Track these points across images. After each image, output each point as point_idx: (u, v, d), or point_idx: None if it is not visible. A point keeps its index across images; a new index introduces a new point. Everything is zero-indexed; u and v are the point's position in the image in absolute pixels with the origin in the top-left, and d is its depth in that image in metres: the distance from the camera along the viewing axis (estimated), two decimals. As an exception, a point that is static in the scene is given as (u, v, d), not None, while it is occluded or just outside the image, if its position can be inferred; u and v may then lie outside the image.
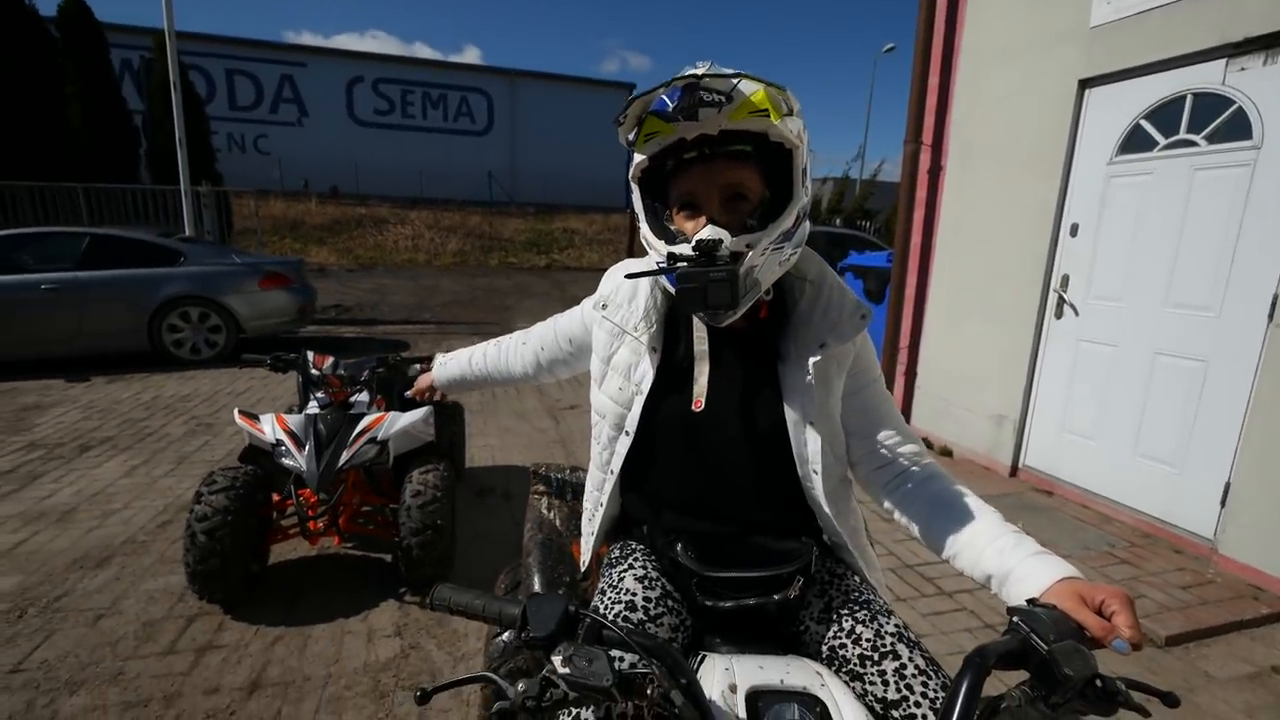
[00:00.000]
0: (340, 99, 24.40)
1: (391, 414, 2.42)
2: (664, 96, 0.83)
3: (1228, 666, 2.19)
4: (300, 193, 21.02)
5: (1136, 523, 3.11)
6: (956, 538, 0.91)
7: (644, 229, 0.97)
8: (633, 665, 0.65)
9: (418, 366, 3.11)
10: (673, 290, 0.94)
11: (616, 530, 1.18)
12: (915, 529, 0.99)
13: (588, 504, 1.20)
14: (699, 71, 0.84)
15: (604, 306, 1.11)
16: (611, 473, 1.10)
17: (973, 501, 0.94)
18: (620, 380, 1.08)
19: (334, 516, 2.31)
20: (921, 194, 4.27)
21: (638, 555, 1.07)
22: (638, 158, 0.93)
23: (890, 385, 4.49)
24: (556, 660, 0.62)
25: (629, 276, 1.03)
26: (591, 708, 0.81)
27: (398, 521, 2.29)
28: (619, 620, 0.93)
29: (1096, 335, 3.29)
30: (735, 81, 0.81)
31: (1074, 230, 3.39)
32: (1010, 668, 0.67)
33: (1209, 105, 2.80)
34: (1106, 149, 3.22)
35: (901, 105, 4.25)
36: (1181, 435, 2.93)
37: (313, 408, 2.46)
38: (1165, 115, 2.98)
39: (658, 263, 0.94)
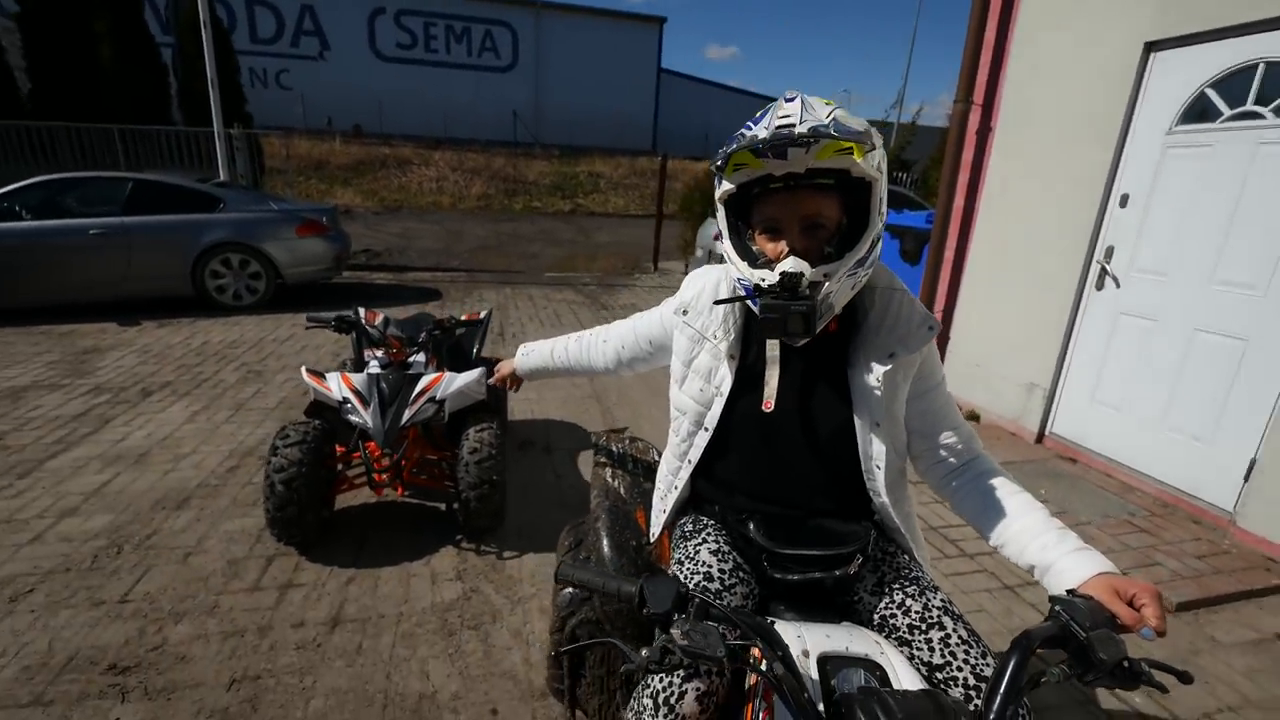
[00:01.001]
0: (362, 31, 23.77)
1: (448, 374, 2.54)
2: (755, 137, 0.92)
3: (1234, 632, 2.31)
4: (324, 131, 20.82)
5: (1158, 493, 3.19)
6: (1005, 530, 1.02)
7: (727, 246, 1.06)
8: (736, 639, 0.77)
9: (463, 315, 3.23)
10: (754, 309, 1.04)
11: (686, 507, 1.30)
12: (968, 518, 1.10)
13: (660, 485, 1.32)
14: (789, 112, 0.92)
15: (685, 313, 1.20)
16: (689, 462, 1.22)
17: (1023, 498, 1.05)
18: (701, 382, 1.18)
19: (398, 470, 2.48)
20: (968, 155, 4.17)
21: (710, 530, 1.20)
22: (725, 184, 1.01)
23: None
24: (675, 633, 0.74)
25: (718, 303, 1.14)
26: (685, 674, 0.95)
27: (455, 474, 2.46)
28: (698, 589, 1.06)
29: (1136, 309, 3.28)
30: (822, 124, 0.88)
31: (1124, 201, 3.32)
32: (1051, 648, 0.79)
33: (1281, 75, 2.69)
34: (1166, 118, 3.11)
35: (945, 43, 4.12)
36: (1212, 411, 2.96)
37: (374, 367, 2.59)
38: (1233, 85, 2.86)
39: (741, 283, 1.05)
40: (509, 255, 10.74)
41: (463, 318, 3.17)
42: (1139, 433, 3.29)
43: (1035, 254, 3.77)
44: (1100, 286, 3.45)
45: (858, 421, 1.10)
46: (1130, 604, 0.83)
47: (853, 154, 0.90)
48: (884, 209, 1.01)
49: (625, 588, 0.81)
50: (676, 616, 0.76)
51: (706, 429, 1.18)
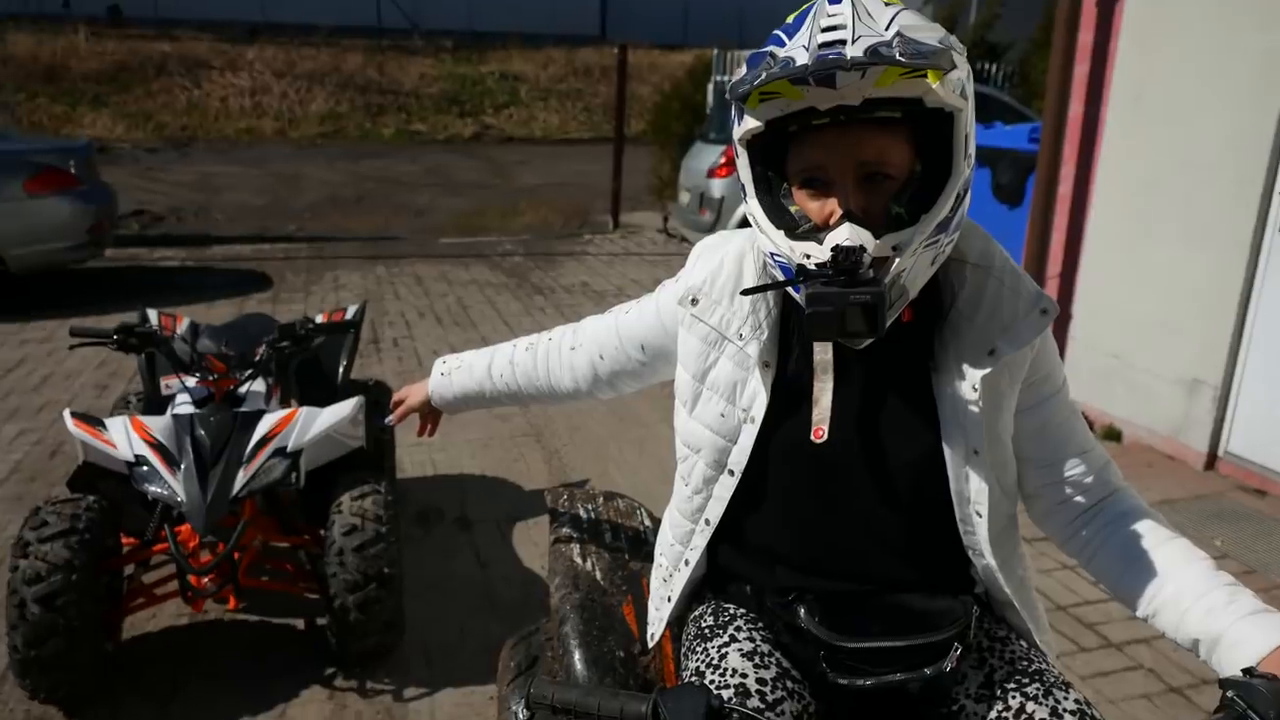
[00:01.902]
0: None
1: (303, 410, 2.57)
2: (791, 56, 0.98)
3: None
4: (58, 16, 20.41)
5: (1391, 539, 3.41)
6: (1158, 594, 1.12)
7: (754, 206, 1.13)
8: None
9: (320, 317, 3.24)
10: (798, 299, 1.10)
11: (701, 592, 1.38)
12: (1105, 580, 1.21)
13: (664, 559, 1.40)
14: (838, 20, 0.98)
15: (694, 302, 1.24)
16: (707, 523, 1.29)
17: (1179, 546, 1.15)
18: (722, 404, 1.24)
19: (229, 569, 2.49)
20: (1086, 38, 4.39)
21: (740, 624, 1.27)
22: (749, 121, 1.07)
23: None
24: None
25: (745, 293, 1.19)
26: None
27: (320, 571, 2.49)
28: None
29: (1345, 263, 3.51)
30: (889, 37, 0.95)
31: (1318, 101, 3.55)
32: None
33: None
34: (1373, -26, 3.35)
35: None
36: None
37: (184, 404, 2.60)
38: None
39: (775, 260, 1.12)
40: (379, 212, 10.75)
41: (319, 319, 3.19)
42: (1358, 449, 3.51)
43: (1192, 187, 3.98)
44: (1290, 232, 3.68)
45: (948, 450, 1.18)
46: None
47: (926, 76, 0.97)
48: (971, 148, 1.09)
49: (631, 706, 0.87)
50: None
51: (731, 471, 1.23)
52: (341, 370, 3.23)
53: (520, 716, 1.47)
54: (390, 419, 1.72)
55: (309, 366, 3.18)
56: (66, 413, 2.54)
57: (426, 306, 6.77)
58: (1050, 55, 4.52)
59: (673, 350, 1.33)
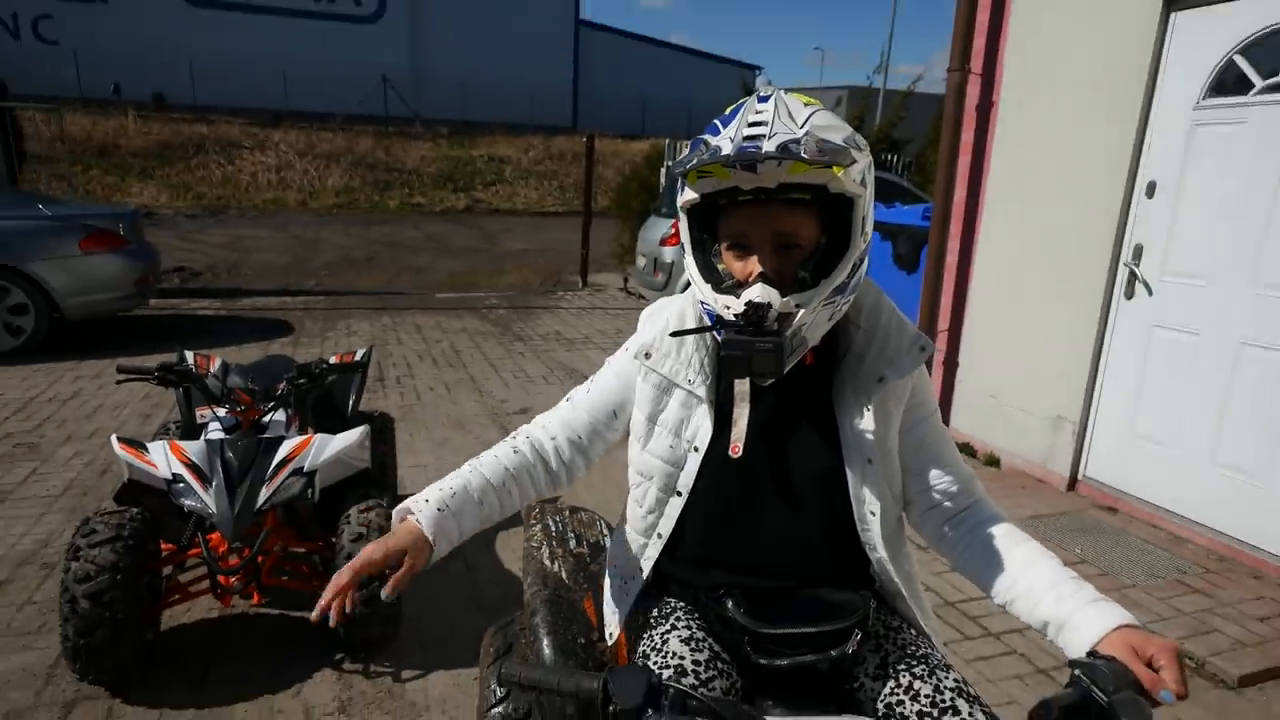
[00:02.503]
0: (164, -33, 23.44)
1: (318, 437, 2.58)
2: (720, 143, 1.07)
3: (1310, 711, 2.59)
4: (110, 102, 20.24)
5: (1212, 544, 3.54)
6: (1014, 585, 1.18)
7: (690, 263, 1.21)
8: None
9: (333, 359, 3.26)
10: (720, 339, 1.17)
11: (651, 591, 1.41)
12: (970, 573, 1.26)
13: (619, 569, 1.42)
14: (761, 119, 1.07)
15: (648, 356, 1.29)
16: (660, 537, 1.33)
17: (1031, 546, 1.21)
18: (670, 438, 1.29)
19: (253, 570, 2.48)
20: (968, 137, 4.57)
21: (679, 614, 1.31)
22: (688, 193, 1.15)
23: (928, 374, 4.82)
24: None
25: (675, 334, 1.26)
26: None
27: (331, 572, 2.47)
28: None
29: (1173, 320, 3.67)
30: (800, 136, 1.03)
31: (1150, 190, 3.74)
32: (1072, 718, 0.93)
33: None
34: (1193, 90, 3.56)
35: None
36: (1268, 442, 3.33)
37: (215, 431, 2.60)
38: (1266, 50, 3.31)
39: (705, 309, 1.18)
40: (385, 271, 10.72)
41: (332, 360, 3.21)
42: (1186, 472, 3.64)
43: (1053, 257, 4.15)
44: (1130, 295, 3.84)
45: (847, 462, 1.24)
46: (1149, 664, 0.97)
47: (831, 169, 1.05)
48: (868, 227, 1.17)
49: (585, 684, 0.92)
50: (648, 713, 0.87)
51: (680, 494, 1.28)
52: (351, 403, 3.25)
53: (496, 693, 1.49)
54: (385, 591, 1.11)
55: (324, 400, 3.19)
56: (114, 437, 2.53)
57: (424, 350, 6.76)
58: (939, 150, 4.71)
59: (632, 400, 1.36)
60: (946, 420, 4.74)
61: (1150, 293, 3.76)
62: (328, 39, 25.08)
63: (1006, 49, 4.37)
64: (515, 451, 1.33)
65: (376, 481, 2.87)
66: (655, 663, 1.21)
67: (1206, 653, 2.79)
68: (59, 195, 8.33)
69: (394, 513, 1.21)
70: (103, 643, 2.23)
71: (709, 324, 1.19)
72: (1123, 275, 3.87)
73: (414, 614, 2.82)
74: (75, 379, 5.57)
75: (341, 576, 1.08)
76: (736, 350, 1.07)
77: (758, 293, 1.09)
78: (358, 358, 3.36)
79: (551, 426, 1.37)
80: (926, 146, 12.37)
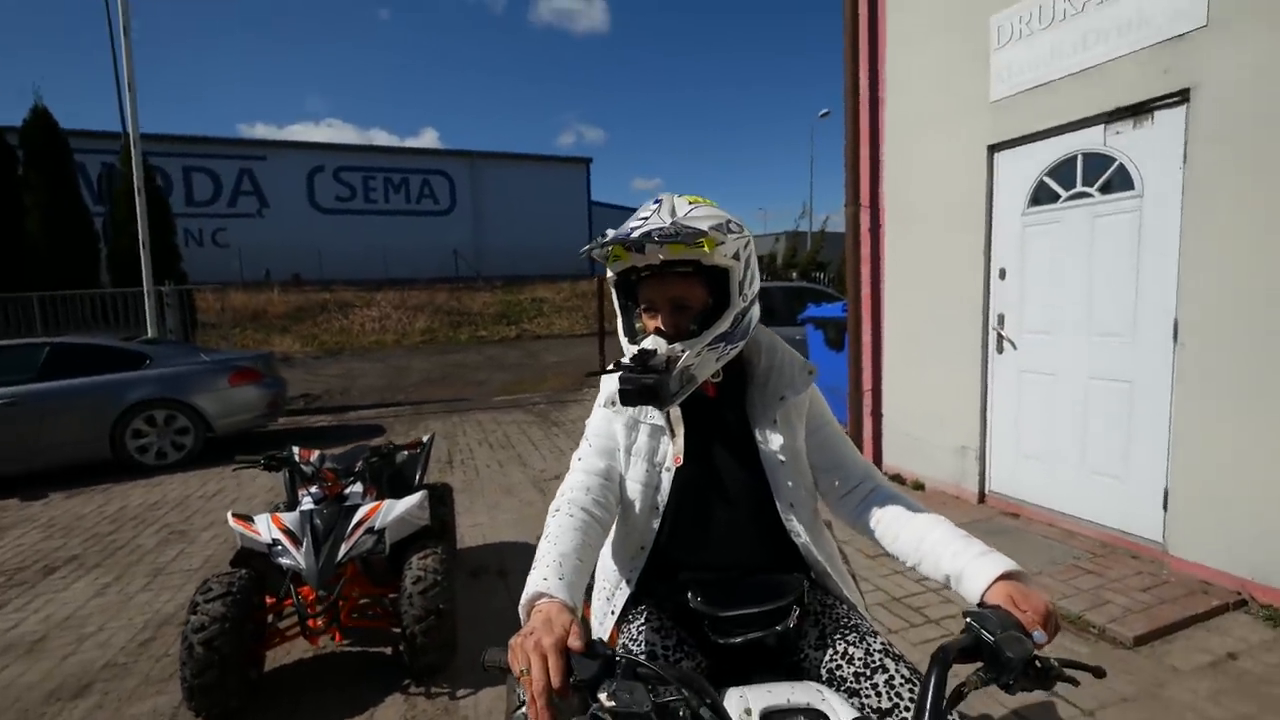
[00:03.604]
0: (301, 188, 24.81)
1: (387, 502, 2.47)
2: (616, 234, 1.07)
3: (1191, 658, 2.34)
4: (262, 283, 20.97)
5: (1097, 535, 3.30)
6: (919, 547, 1.08)
7: (619, 324, 1.18)
8: (666, 694, 0.77)
9: (406, 453, 3.19)
10: None
11: (631, 600, 1.28)
12: (883, 544, 1.16)
13: (606, 583, 1.29)
14: (651, 221, 1.07)
15: (614, 404, 1.24)
16: (642, 549, 1.22)
17: (927, 515, 1.13)
18: (645, 465, 1.21)
19: (335, 612, 2.32)
20: (865, 250, 4.61)
21: (652, 611, 1.21)
22: (610, 270, 1.15)
23: (859, 427, 4.69)
24: (602, 696, 0.74)
25: (589, 375, 1.27)
26: None
27: (398, 610, 2.32)
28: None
29: (1035, 365, 3.57)
30: (667, 225, 1.04)
31: (1002, 274, 3.72)
32: (968, 661, 0.83)
33: (1096, 163, 3.19)
34: (1018, 203, 3.59)
35: (841, 164, 4.65)
36: (1121, 449, 3.17)
37: (307, 503, 2.50)
38: (1063, 172, 3.36)
39: (619, 364, 1.15)
40: (456, 384, 10.73)
41: (400, 445, 3.13)
42: (1066, 480, 3.46)
43: (940, 328, 4.10)
44: (1000, 350, 3.76)
45: (765, 461, 1.18)
46: (1024, 611, 0.89)
47: (703, 248, 1.04)
48: (748, 289, 1.14)
49: None
50: (604, 681, 0.76)
51: (656, 509, 1.20)
52: (418, 478, 3.13)
53: (520, 697, 1.34)
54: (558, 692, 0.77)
55: (396, 477, 3.08)
56: (230, 513, 2.43)
57: (483, 438, 6.66)
58: (848, 263, 4.75)
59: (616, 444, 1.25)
60: (879, 458, 4.62)
61: (1015, 347, 3.68)
62: (414, 227, 26.15)
63: (885, 186, 4.46)
64: (571, 516, 1.09)
65: (436, 534, 2.73)
66: (631, 651, 1.10)
67: (1105, 621, 2.55)
68: (218, 348, 8.48)
69: (521, 608, 0.91)
70: (212, 682, 2.07)
71: (616, 367, 1.14)
72: (992, 337, 3.80)
73: (468, 643, 2.61)
74: (220, 480, 5.48)
75: (539, 684, 0.75)
76: (626, 385, 1.05)
77: (648, 342, 1.08)
78: (423, 441, 3.29)
79: (579, 485, 1.18)
80: (843, 263, 12.62)
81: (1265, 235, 2.54)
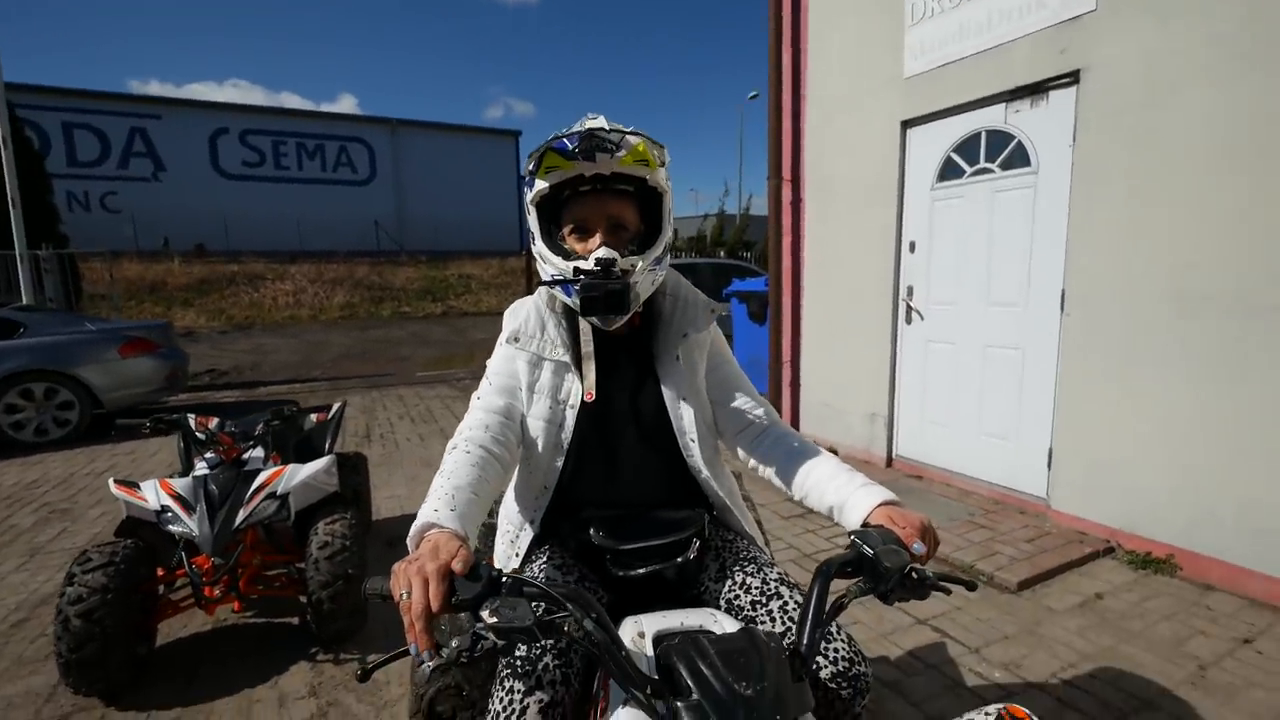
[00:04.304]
0: (203, 151, 22.82)
1: (291, 466, 2.34)
2: (565, 140, 1.02)
3: (1064, 600, 2.57)
4: (160, 252, 19.27)
5: (990, 493, 3.57)
6: (805, 481, 1.12)
7: (540, 246, 1.12)
8: (550, 611, 0.75)
9: (314, 418, 3.03)
10: (568, 300, 1.10)
11: (535, 541, 1.25)
12: (774, 478, 1.19)
13: (509, 525, 1.26)
14: (598, 123, 1.04)
15: (516, 340, 1.19)
16: (546, 489, 1.20)
17: (814, 451, 1.17)
18: (549, 401, 1.18)
19: (233, 580, 2.18)
20: (787, 223, 4.72)
21: (553, 549, 1.19)
22: (539, 184, 1.07)
23: (778, 397, 4.84)
24: (484, 613, 0.71)
25: (541, 284, 1.17)
26: (524, 688, 0.91)
27: (305, 578, 2.21)
28: None
29: (939, 335, 3.78)
30: (625, 134, 1.02)
31: (912, 247, 3.90)
32: (850, 575, 0.88)
33: (998, 140, 3.38)
34: (928, 177, 3.76)
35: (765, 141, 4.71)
36: (1012, 413, 3.42)
37: (201, 468, 2.32)
38: (968, 148, 3.55)
39: (553, 276, 1.10)
40: (377, 360, 10.29)
41: (312, 417, 2.96)
42: (963, 442, 3.70)
43: (855, 300, 4.26)
44: (909, 321, 3.95)
45: (667, 397, 1.18)
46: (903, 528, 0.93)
47: (649, 165, 1.03)
48: (671, 220, 1.14)
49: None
50: (487, 600, 0.74)
51: (561, 446, 1.17)
52: (328, 445, 2.98)
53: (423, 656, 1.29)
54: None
55: (304, 445, 2.92)
56: (111, 480, 2.23)
57: (404, 412, 6.43)
58: (769, 236, 4.85)
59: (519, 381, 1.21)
60: (797, 424, 4.74)
61: (922, 318, 3.88)
62: (331, 197, 24.61)
63: (805, 161, 4.57)
64: (468, 453, 1.04)
65: (347, 502, 2.61)
66: None
67: (993, 569, 2.76)
68: (108, 319, 7.75)
69: (410, 539, 0.87)
70: (92, 657, 1.90)
71: (564, 288, 1.10)
72: (902, 308, 3.99)
73: (379, 609, 2.52)
74: (111, 456, 5.03)
75: (418, 607, 0.74)
76: (593, 291, 1.03)
77: (603, 252, 1.05)
78: (332, 410, 3.13)
79: (478, 424, 1.13)
80: (766, 242, 12.96)
81: (1143, 212, 2.78)
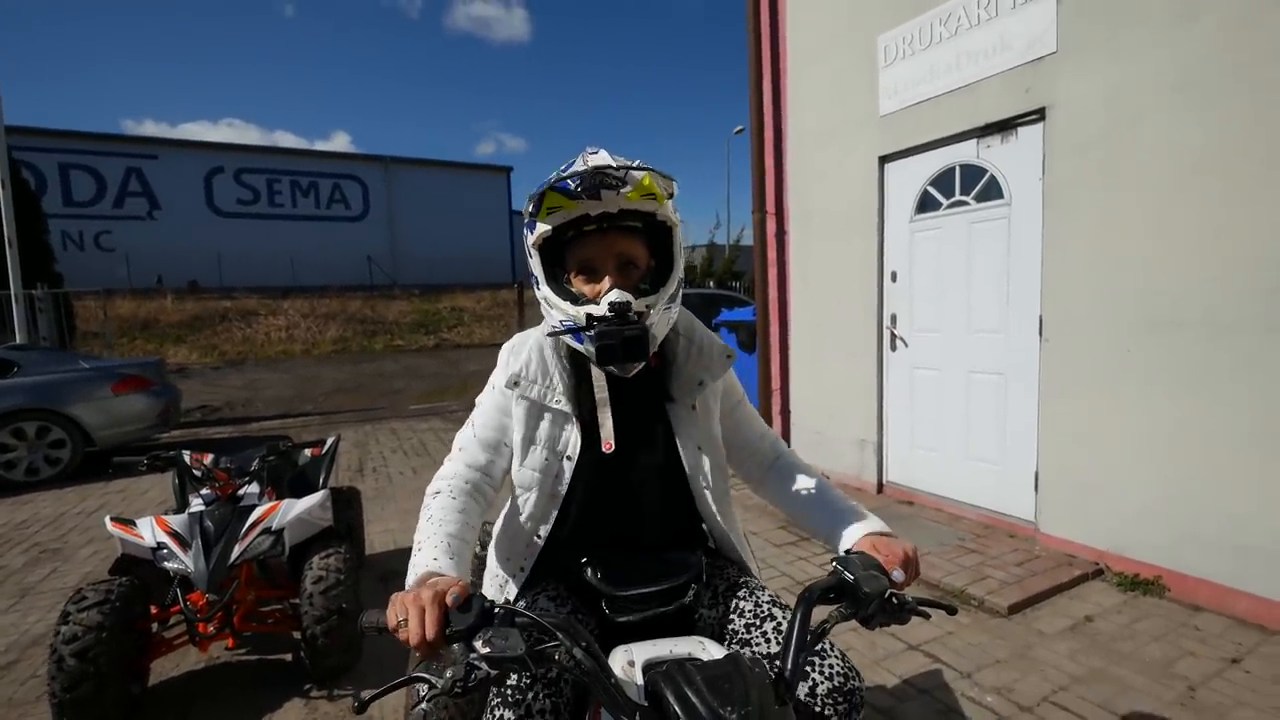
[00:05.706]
0: (198, 190, 23.00)
1: (285, 502, 2.35)
2: (567, 180, 0.96)
3: (1055, 623, 2.59)
4: (153, 289, 19.27)
5: (979, 517, 3.60)
6: (807, 511, 1.17)
7: (545, 291, 1.06)
8: (541, 641, 0.78)
9: (308, 452, 3.04)
10: (581, 348, 1.05)
11: (532, 581, 1.24)
12: (778, 506, 1.24)
13: (503, 568, 1.23)
14: (601, 159, 1.00)
15: (517, 384, 1.14)
16: (538, 539, 1.17)
17: (817, 482, 1.21)
18: (545, 453, 1.13)
19: (227, 616, 2.17)
20: (772, 255, 4.83)
21: (549, 584, 1.19)
22: (540, 227, 1.02)
23: (769, 424, 4.88)
24: (477, 644, 0.74)
25: (551, 334, 1.11)
26: (517, 717, 0.93)
27: (299, 613, 2.21)
28: None
29: (924, 362, 3.86)
30: (630, 168, 0.96)
31: (894, 277, 4.00)
32: (833, 601, 0.91)
33: (972, 173, 3.52)
34: (907, 210, 3.89)
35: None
36: (998, 437, 3.48)
37: (197, 505, 2.33)
38: (944, 182, 3.68)
39: (564, 324, 1.04)
40: (370, 394, 10.27)
41: (307, 452, 2.97)
42: (952, 468, 3.74)
43: (841, 329, 4.35)
44: (894, 348, 4.04)
45: (682, 444, 1.16)
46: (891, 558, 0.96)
47: (656, 199, 0.99)
48: (682, 254, 1.11)
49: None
50: (480, 630, 0.76)
51: (556, 498, 1.15)
52: (322, 480, 2.99)
53: (420, 691, 1.29)
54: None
55: (299, 480, 2.93)
56: (107, 517, 2.24)
57: (397, 445, 6.42)
58: (756, 268, 4.96)
59: (513, 427, 1.17)
60: (784, 449, 4.71)
61: (906, 345, 3.96)
62: (325, 233, 24.75)
63: (789, 194, 4.70)
64: (453, 499, 1.07)
65: (341, 537, 2.61)
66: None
67: (984, 593, 2.78)
68: (100, 356, 7.74)
69: (411, 589, 0.85)
70: (86, 696, 1.89)
71: (575, 336, 1.03)
72: (887, 336, 4.07)
73: (373, 644, 2.51)
74: (103, 494, 4.99)
75: (415, 636, 0.77)
76: (610, 340, 0.97)
77: (616, 295, 0.99)
78: (326, 445, 3.14)
79: (459, 475, 1.14)
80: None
81: (1112, 240, 2.89)
